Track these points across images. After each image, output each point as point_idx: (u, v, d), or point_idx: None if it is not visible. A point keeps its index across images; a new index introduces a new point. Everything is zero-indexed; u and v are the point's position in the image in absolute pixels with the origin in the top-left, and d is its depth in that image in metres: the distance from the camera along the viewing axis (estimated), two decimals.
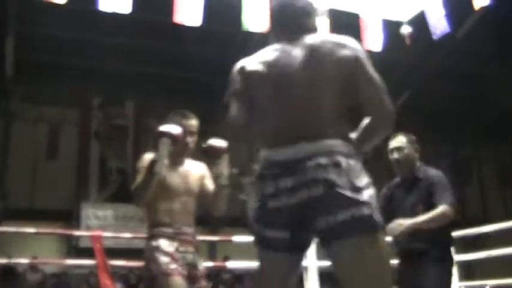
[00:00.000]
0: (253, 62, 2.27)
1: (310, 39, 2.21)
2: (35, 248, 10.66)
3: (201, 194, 3.53)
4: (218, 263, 8.48)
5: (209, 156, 3.30)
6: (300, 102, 2.10)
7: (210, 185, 3.52)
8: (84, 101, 14.58)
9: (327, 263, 6.88)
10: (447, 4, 10.73)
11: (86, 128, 14.65)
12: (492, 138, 17.36)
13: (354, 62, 2.12)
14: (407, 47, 11.67)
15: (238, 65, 2.34)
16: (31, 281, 11.06)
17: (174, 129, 3.26)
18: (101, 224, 13.02)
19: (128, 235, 8.14)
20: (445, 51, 13.56)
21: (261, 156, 2.13)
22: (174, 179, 3.43)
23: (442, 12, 10.66)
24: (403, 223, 3.41)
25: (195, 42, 12.60)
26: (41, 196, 13.61)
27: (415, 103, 14.49)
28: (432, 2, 10.86)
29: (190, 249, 3.39)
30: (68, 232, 10.76)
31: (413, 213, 3.52)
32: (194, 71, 13.66)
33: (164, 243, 3.30)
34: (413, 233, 3.43)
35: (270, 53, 2.25)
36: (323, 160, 1.99)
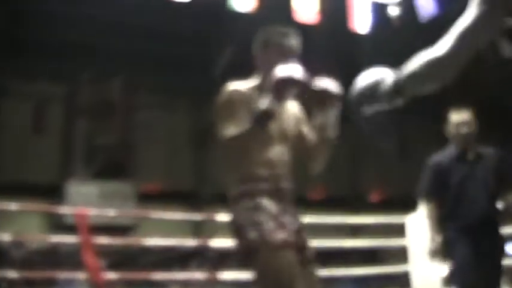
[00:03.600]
0: None
1: None
2: (20, 223, 10.63)
3: (297, 142, 2.73)
4: (202, 241, 8.50)
5: (316, 101, 2.65)
6: None
7: (307, 132, 2.75)
8: (72, 76, 14.46)
9: None
10: None
11: (73, 103, 14.56)
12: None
13: None
14: (395, 29, 11.68)
15: None
16: (15, 257, 11.04)
17: (298, 71, 2.45)
18: (86, 200, 12.99)
19: (113, 212, 8.11)
20: (434, 34, 13.56)
21: None
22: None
23: None
24: None
25: (184, 18, 12.50)
26: (26, 172, 13.54)
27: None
28: None
29: (293, 210, 2.63)
30: (52, 209, 10.72)
31: (486, 189, 3.63)
32: (183, 46, 13.56)
33: (267, 203, 2.52)
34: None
35: None
36: None
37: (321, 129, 2.66)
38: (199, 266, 10.98)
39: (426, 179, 3.88)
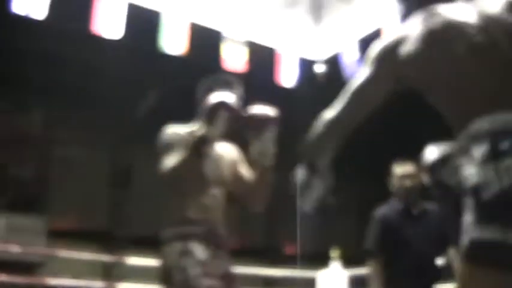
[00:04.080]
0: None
1: None
2: None
3: (235, 185, 2.75)
4: (111, 284, 8.27)
5: (251, 128, 2.61)
6: None
7: (245, 172, 2.76)
8: None
9: None
10: (362, 49, 11.11)
11: None
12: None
13: None
14: (320, 85, 11.98)
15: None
16: None
17: (231, 98, 2.51)
18: None
19: (17, 248, 7.78)
20: None
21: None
22: (205, 165, 2.59)
23: (356, 56, 11.03)
24: None
25: (112, 54, 12.38)
26: None
27: None
28: (348, 46, 11.24)
29: (225, 255, 2.67)
30: None
31: (430, 246, 3.65)
32: (109, 84, 13.40)
33: (196, 248, 2.53)
34: None
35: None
36: None
37: (259, 157, 2.64)
38: None
39: (372, 235, 3.84)
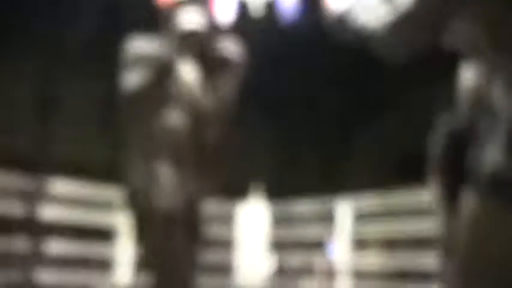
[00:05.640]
0: None
1: None
2: None
3: (194, 110, 2.57)
4: (31, 210, 8.16)
5: (211, 68, 2.45)
6: None
7: (205, 97, 2.58)
8: None
9: None
10: None
11: None
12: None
13: None
14: (257, 26, 11.91)
15: None
16: None
17: (201, 24, 2.38)
18: None
19: None
20: (291, 38, 13.88)
21: None
22: (169, 87, 2.51)
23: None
24: None
25: None
26: None
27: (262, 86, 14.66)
28: None
29: (191, 177, 2.55)
30: None
31: None
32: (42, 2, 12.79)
33: (161, 169, 2.44)
34: None
35: None
36: None
37: (218, 98, 2.50)
38: (25, 236, 10.55)
39: (439, 144, 3.37)
